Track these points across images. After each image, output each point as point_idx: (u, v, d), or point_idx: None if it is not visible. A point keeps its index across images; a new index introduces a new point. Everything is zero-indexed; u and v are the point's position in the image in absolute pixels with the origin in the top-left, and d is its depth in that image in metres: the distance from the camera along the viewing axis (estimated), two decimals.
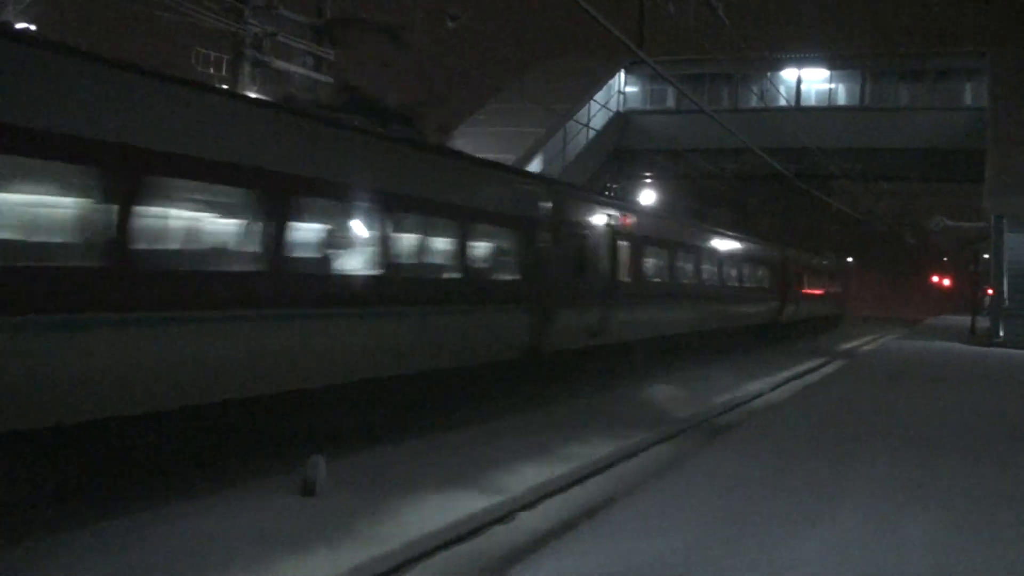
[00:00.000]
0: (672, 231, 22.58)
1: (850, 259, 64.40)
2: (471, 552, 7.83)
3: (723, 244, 26.22)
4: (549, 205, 15.06)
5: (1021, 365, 22.59)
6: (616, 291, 17.38)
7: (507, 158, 27.38)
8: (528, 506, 9.24)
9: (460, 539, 8.02)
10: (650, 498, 7.86)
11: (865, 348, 34.71)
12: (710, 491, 8.04)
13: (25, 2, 13.28)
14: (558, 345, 15.15)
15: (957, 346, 29.31)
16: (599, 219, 17.03)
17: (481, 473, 10.03)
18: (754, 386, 20.73)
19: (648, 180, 42.31)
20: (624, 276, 18.10)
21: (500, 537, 8.28)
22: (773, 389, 21.00)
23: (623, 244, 18.09)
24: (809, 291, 37.29)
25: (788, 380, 22.80)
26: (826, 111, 41.17)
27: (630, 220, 18.78)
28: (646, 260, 19.77)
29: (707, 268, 24.34)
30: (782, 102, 40.41)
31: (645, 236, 19.46)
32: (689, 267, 22.98)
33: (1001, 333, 28.47)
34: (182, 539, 7.23)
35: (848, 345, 37.00)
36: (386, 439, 10.95)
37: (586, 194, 19.77)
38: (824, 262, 43.78)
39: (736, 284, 27.01)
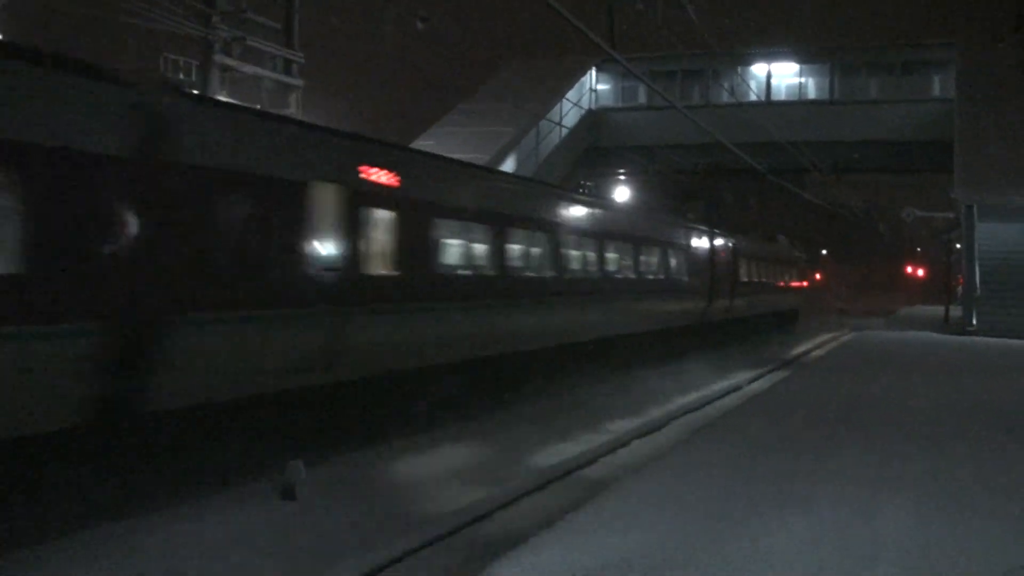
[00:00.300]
0: (490, 196, 14.54)
1: (824, 251, 64.83)
2: (453, 547, 7.83)
3: (602, 222, 19.04)
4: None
5: (994, 353, 22.84)
6: (363, 287, 10.56)
7: (479, 158, 27.39)
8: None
9: (440, 537, 8.02)
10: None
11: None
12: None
13: None
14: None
15: (930, 335, 29.58)
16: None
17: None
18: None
19: (622, 177, 42.47)
20: (375, 266, 11.00)
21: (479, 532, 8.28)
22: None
23: (372, 213, 10.98)
24: (753, 284, 31.62)
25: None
26: (796, 105, 41.41)
27: (388, 177, 11.29)
28: (439, 240, 12.47)
29: (569, 255, 17.06)
30: (753, 97, 40.66)
31: (429, 203, 12.16)
32: (536, 251, 15.73)
33: (974, 321, 28.76)
34: (168, 545, 7.22)
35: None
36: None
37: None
38: (775, 250, 37.86)
39: (630, 276, 20.03)
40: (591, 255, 17.94)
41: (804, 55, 41.94)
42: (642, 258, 20.73)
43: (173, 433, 8.40)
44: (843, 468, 8.86)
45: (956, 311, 34.59)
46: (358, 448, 10.68)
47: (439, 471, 10.21)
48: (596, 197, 22.89)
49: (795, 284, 40.83)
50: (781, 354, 27.33)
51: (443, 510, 8.64)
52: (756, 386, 19.31)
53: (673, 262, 22.83)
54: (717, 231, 27.56)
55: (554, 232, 16.13)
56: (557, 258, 16.21)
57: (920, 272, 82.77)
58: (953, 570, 6.02)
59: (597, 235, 18.33)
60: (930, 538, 6.64)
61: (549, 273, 15.83)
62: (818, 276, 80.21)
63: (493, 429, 12.68)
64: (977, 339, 27.05)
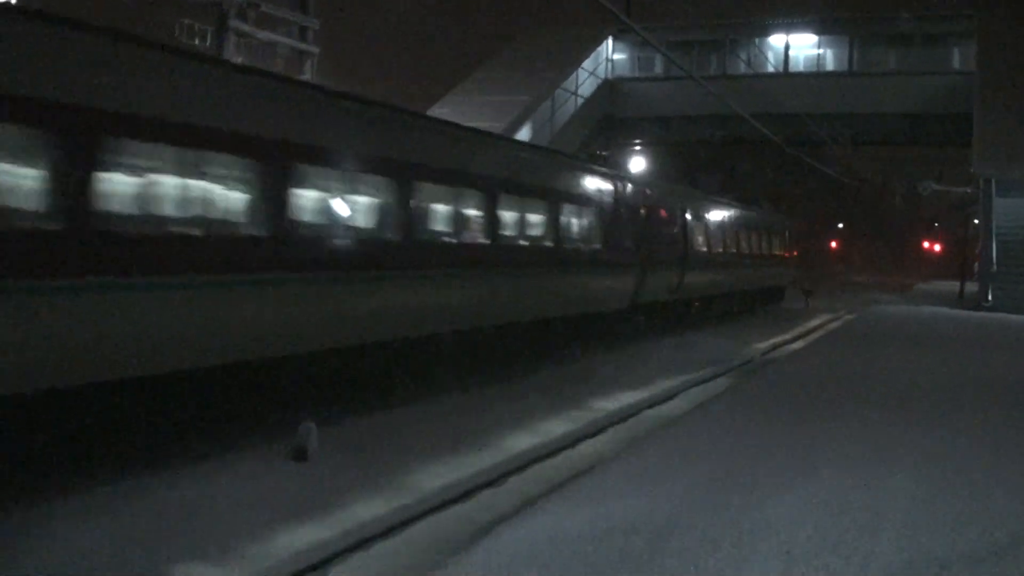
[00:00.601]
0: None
1: (840, 224, 64.25)
2: (460, 514, 7.93)
3: (482, 165, 13.58)
4: None
5: (1007, 329, 22.77)
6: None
7: (494, 126, 27.34)
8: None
9: (452, 501, 8.11)
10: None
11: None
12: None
13: None
14: None
15: (944, 311, 29.49)
16: None
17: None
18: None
19: (638, 147, 42.29)
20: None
21: (489, 500, 8.38)
22: None
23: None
24: (716, 256, 25.44)
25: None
26: (814, 77, 41.07)
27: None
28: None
29: (431, 209, 12.33)
30: (770, 68, 40.36)
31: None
32: (373, 203, 11.06)
33: (989, 298, 28.64)
34: (177, 504, 7.34)
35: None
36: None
37: None
38: (751, 216, 31.01)
39: (517, 242, 14.54)
40: (451, 212, 12.53)
41: (822, 26, 41.56)
42: (501, 215, 13.94)
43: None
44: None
45: (972, 287, 34.45)
46: (367, 413, 10.96)
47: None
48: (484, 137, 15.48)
49: (780, 256, 34.95)
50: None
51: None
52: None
53: (566, 224, 16.35)
54: (653, 186, 21.88)
55: (400, 182, 11.19)
56: (412, 215, 11.40)
57: (937, 247, 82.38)
58: (954, 538, 6.07)
59: (472, 189, 12.89)
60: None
61: (392, 234, 11.07)
62: (833, 246, 79.78)
63: None
64: (992, 315, 26.95)
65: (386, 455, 9.20)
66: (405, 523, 7.42)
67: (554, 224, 15.64)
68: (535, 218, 15.21)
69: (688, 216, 23.03)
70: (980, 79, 33.80)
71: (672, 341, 20.29)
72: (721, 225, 26.42)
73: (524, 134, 33.34)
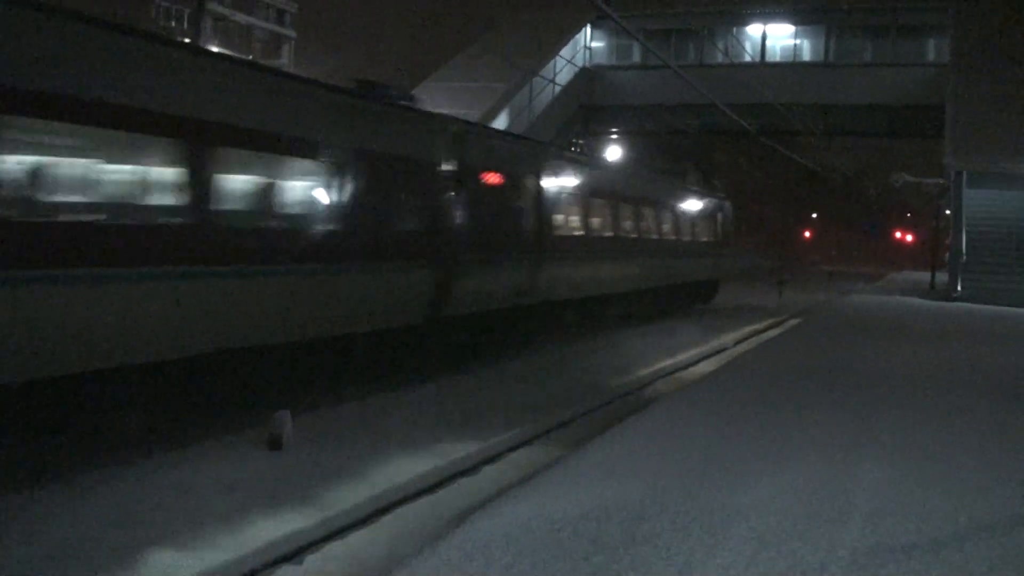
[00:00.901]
0: None
1: (814, 215, 64.17)
2: (436, 502, 8.00)
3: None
4: None
5: (976, 319, 23.06)
6: None
7: (471, 113, 27.30)
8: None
9: (427, 490, 8.17)
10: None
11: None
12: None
13: None
14: None
15: (914, 301, 29.80)
16: None
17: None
18: None
19: (615, 136, 42.36)
20: None
21: (465, 488, 8.44)
22: None
23: None
24: (597, 242, 19.67)
25: None
26: (790, 67, 41.28)
27: None
28: None
29: None
30: (747, 58, 40.52)
31: None
32: None
33: (959, 288, 28.95)
34: (153, 491, 7.36)
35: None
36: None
37: None
38: (658, 188, 24.86)
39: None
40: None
41: (799, 16, 41.72)
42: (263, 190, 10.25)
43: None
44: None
45: (943, 277, 34.81)
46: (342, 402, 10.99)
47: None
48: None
49: (709, 243, 28.60)
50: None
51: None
52: None
53: (370, 199, 11.61)
54: (475, 137, 15.20)
55: None
56: None
57: (909, 237, 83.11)
58: (919, 524, 6.21)
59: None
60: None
61: None
62: (807, 235, 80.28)
63: None
64: (961, 305, 27.26)
65: (362, 444, 9.25)
66: (381, 511, 7.49)
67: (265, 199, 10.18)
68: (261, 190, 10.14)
69: (547, 187, 16.88)
70: (954, 71, 34.07)
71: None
72: (611, 201, 20.35)
73: (502, 121, 33.33)
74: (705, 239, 27.80)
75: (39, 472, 7.48)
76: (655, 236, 23.20)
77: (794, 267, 54.58)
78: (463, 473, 8.74)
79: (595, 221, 19.53)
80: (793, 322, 24.21)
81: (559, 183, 17.64)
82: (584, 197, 18.96)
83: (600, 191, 19.89)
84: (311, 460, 8.58)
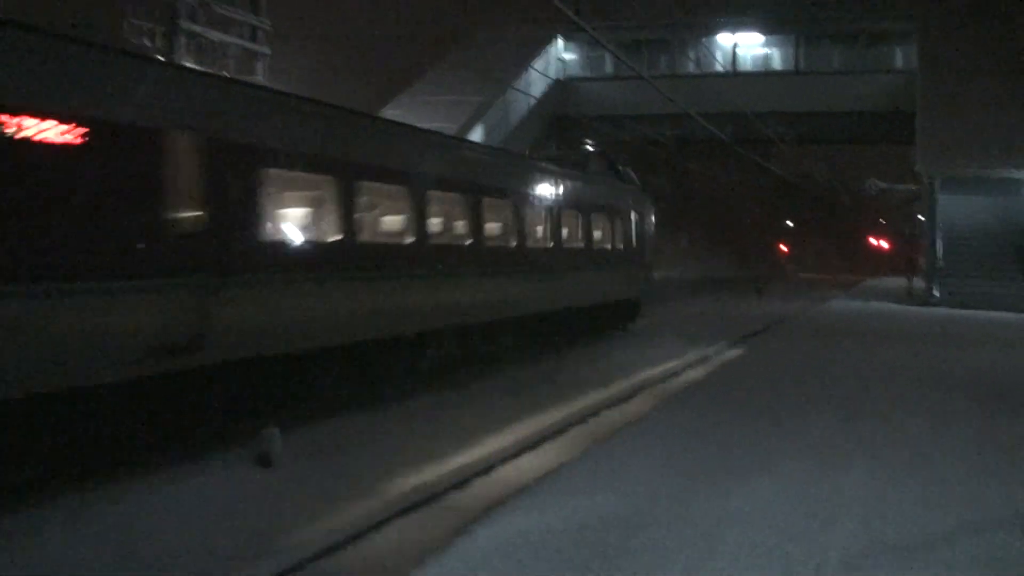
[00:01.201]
0: None
1: (789, 223, 64.25)
2: (427, 516, 7.97)
3: None
4: None
5: (954, 324, 23.30)
6: None
7: (448, 127, 27.37)
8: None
9: (418, 505, 8.14)
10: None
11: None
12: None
13: None
14: None
15: (893, 306, 30.04)
16: None
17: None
18: None
19: (590, 147, 42.50)
20: None
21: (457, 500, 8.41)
22: None
23: None
24: (422, 249, 12.55)
25: None
26: (761, 76, 41.76)
27: None
28: None
29: None
30: (719, 68, 40.88)
31: None
32: None
33: (936, 293, 29.23)
34: (136, 514, 7.29)
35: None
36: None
37: None
38: (530, 173, 17.28)
39: None
40: None
41: (769, 25, 42.14)
42: None
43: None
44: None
45: (920, 282, 35.15)
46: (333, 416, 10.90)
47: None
48: None
49: (623, 251, 21.25)
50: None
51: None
52: None
53: None
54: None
55: None
56: None
57: (884, 244, 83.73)
58: (908, 525, 6.29)
59: None
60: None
61: None
62: (783, 248, 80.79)
63: None
64: (938, 310, 27.52)
65: (352, 459, 9.21)
66: (375, 527, 7.46)
67: None
68: None
69: (249, 166, 9.42)
70: (922, 78, 34.51)
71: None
72: (439, 191, 13.17)
73: (478, 134, 33.40)
74: (617, 245, 20.78)
75: (21, 494, 7.38)
76: (537, 242, 16.66)
77: (771, 275, 54.86)
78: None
79: (426, 222, 12.61)
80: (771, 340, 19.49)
81: (361, 176, 11.16)
82: (379, 187, 11.81)
83: (421, 178, 12.47)
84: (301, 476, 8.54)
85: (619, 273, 21.00)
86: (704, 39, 41.38)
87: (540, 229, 17.01)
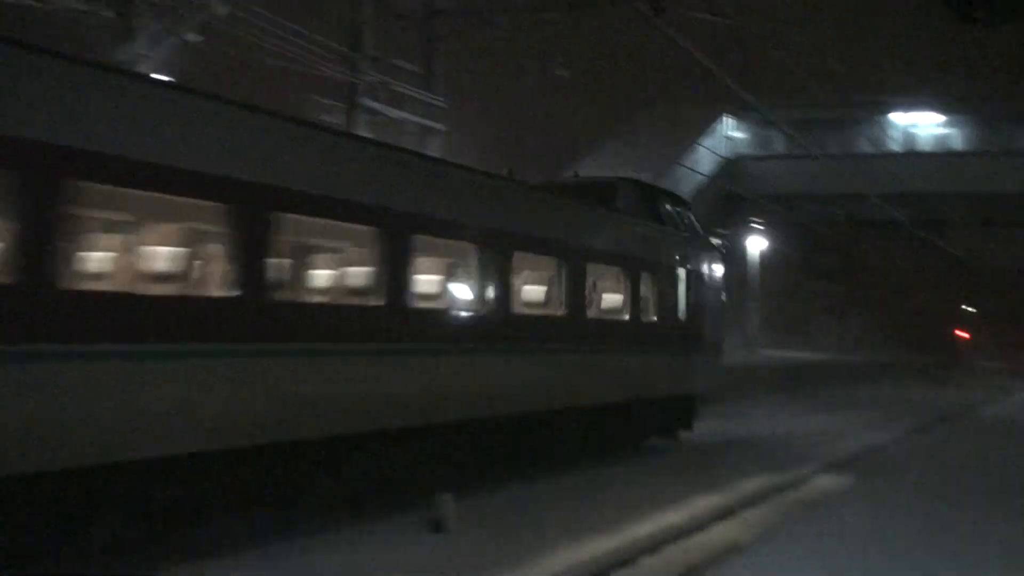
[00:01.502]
0: None
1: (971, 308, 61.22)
2: None
3: None
4: None
5: None
6: None
7: None
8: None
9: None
10: None
11: None
12: None
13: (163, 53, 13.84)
14: None
15: None
16: None
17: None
18: None
19: (759, 226, 41.68)
20: None
21: None
22: None
23: None
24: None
25: None
26: (941, 156, 40.11)
27: None
28: None
29: None
30: (893, 147, 39.61)
31: None
32: None
33: None
34: (317, 572, 7.27)
35: None
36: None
37: None
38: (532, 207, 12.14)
39: None
40: None
41: (947, 105, 40.62)
42: None
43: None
44: None
45: None
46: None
47: None
48: None
49: (667, 323, 14.71)
50: None
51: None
52: None
53: None
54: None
55: None
56: None
57: None
58: None
59: None
60: None
61: None
62: (962, 334, 76.72)
63: None
64: None
65: (524, 530, 8.99)
66: None
67: None
68: None
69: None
70: None
71: None
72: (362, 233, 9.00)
73: None
74: (656, 317, 14.41)
75: (197, 550, 7.44)
76: (504, 309, 10.70)
77: (952, 363, 52.15)
78: None
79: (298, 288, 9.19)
80: None
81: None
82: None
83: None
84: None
85: (656, 356, 14.43)
86: (878, 117, 40.27)
87: (531, 291, 12.02)
